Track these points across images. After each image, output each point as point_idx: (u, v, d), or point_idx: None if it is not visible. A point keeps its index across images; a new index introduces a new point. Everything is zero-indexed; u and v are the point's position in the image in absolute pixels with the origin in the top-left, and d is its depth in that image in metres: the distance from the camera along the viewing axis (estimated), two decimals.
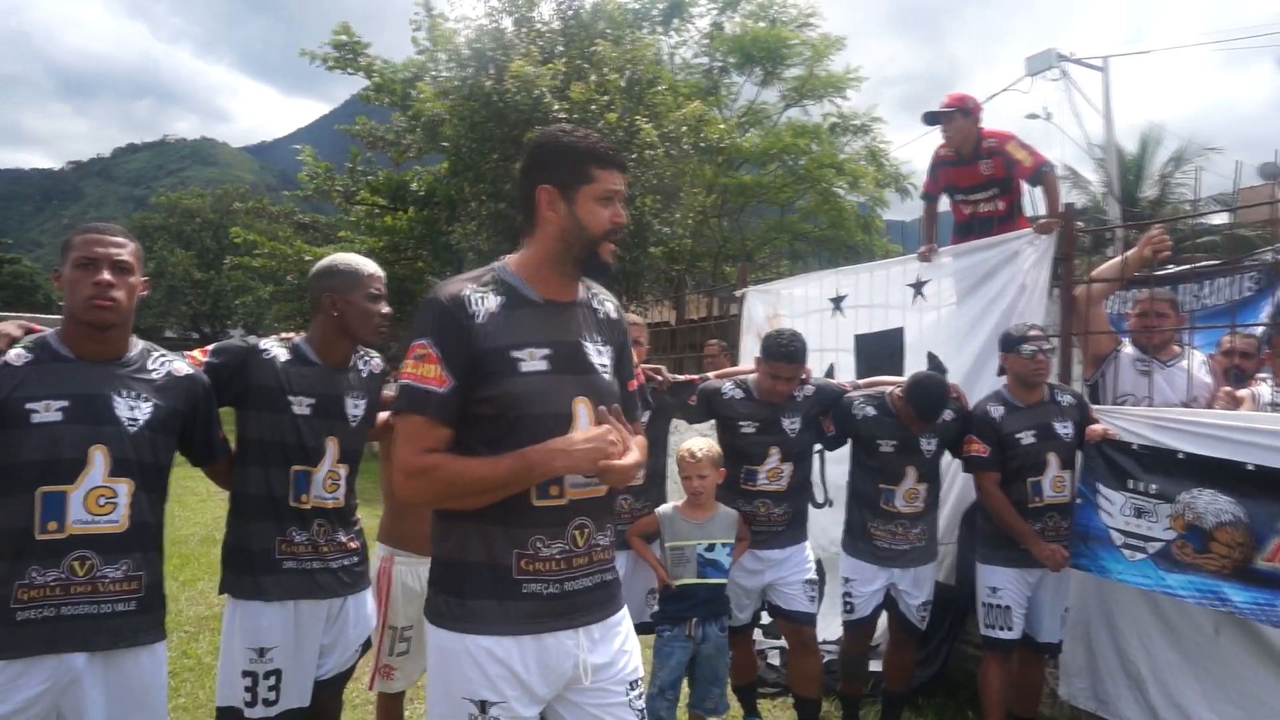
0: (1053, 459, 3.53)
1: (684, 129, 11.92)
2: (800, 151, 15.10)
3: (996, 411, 3.61)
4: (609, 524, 1.91)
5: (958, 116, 4.47)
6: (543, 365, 1.77)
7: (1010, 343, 3.57)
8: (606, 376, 1.88)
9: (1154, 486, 3.35)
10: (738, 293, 6.11)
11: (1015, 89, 16.63)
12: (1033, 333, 3.55)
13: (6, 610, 1.99)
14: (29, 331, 2.17)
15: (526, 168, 1.86)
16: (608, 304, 2.00)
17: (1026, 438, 3.54)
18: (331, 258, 2.67)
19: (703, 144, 12.56)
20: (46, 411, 2.04)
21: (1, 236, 34.65)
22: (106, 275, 2.09)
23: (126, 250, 2.16)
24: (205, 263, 34.74)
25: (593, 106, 10.97)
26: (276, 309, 22.57)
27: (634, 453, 1.78)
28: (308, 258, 17.20)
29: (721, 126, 13.04)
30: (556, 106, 10.80)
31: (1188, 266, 5.84)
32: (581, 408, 1.80)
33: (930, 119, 4.57)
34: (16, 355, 2.08)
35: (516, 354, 1.75)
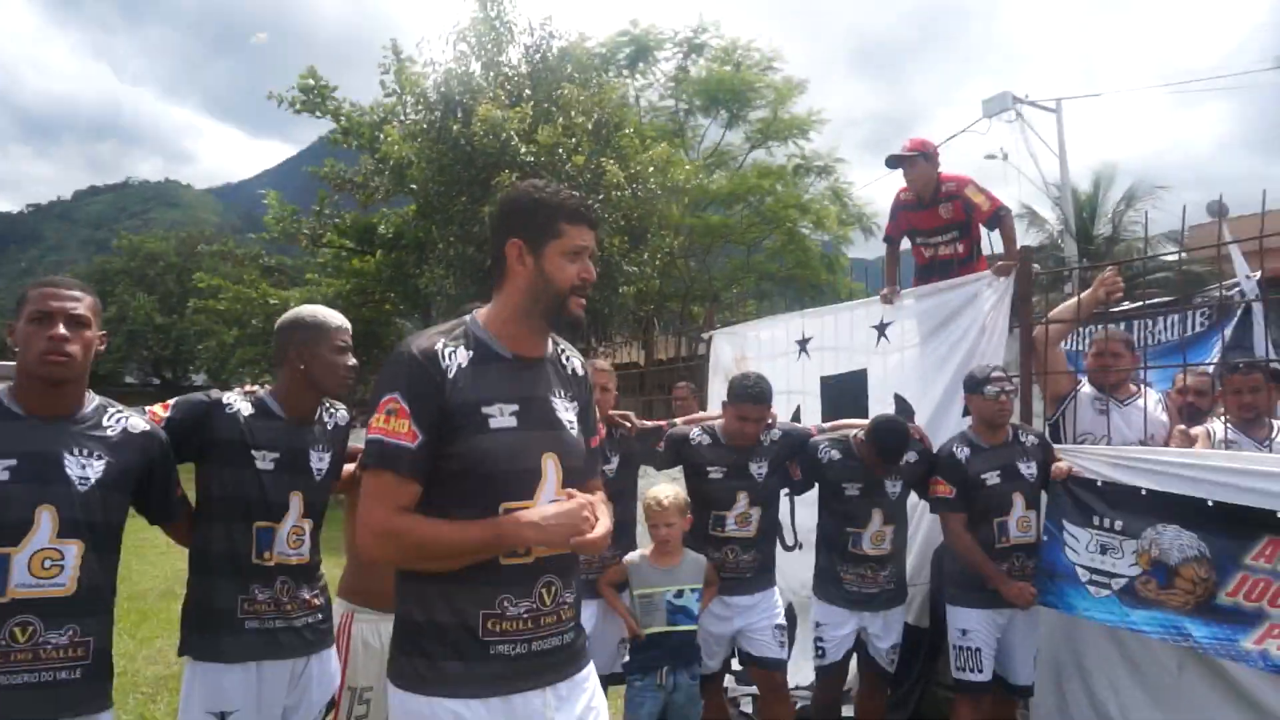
0: (1018, 499, 3.58)
1: (651, 170, 12.07)
2: (765, 192, 15.35)
3: (962, 453, 3.65)
4: (575, 580, 1.89)
5: (919, 161, 4.58)
6: (512, 421, 1.76)
7: (974, 384, 3.63)
8: (574, 432, 1.88)
9: (1119, 523, 3.39)
10: (704, 335, 6.15)
11: (973, 130, 17.15)
12: (995, 374, 3.61)
13: None
14: None
15: (497, 222, 1.87)
16: (574, 360, 2.00)
17: (991, 478, 3.58)
18: (297, 310, 2.64)
19: (669, 185, 12.72)
20: None
21: None
22: (61, 329, 2.04)
23: (83, 304, 2.11)
24: (168, 307, 34.18)
25: (560, 149, 11.08)
26: (241, 354, 22.24)
27: (604, 522, 1.76)
28: (273, 301, 17.03)
29: (688, 168, 13.22)
30: (524, 149, 10.89)
31: (1139, 304, 6.00)
32: (550, 464, 1.80)
33: (893, 163, 4.67)
34: None
35: (486, 409, 1.74)
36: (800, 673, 4.54)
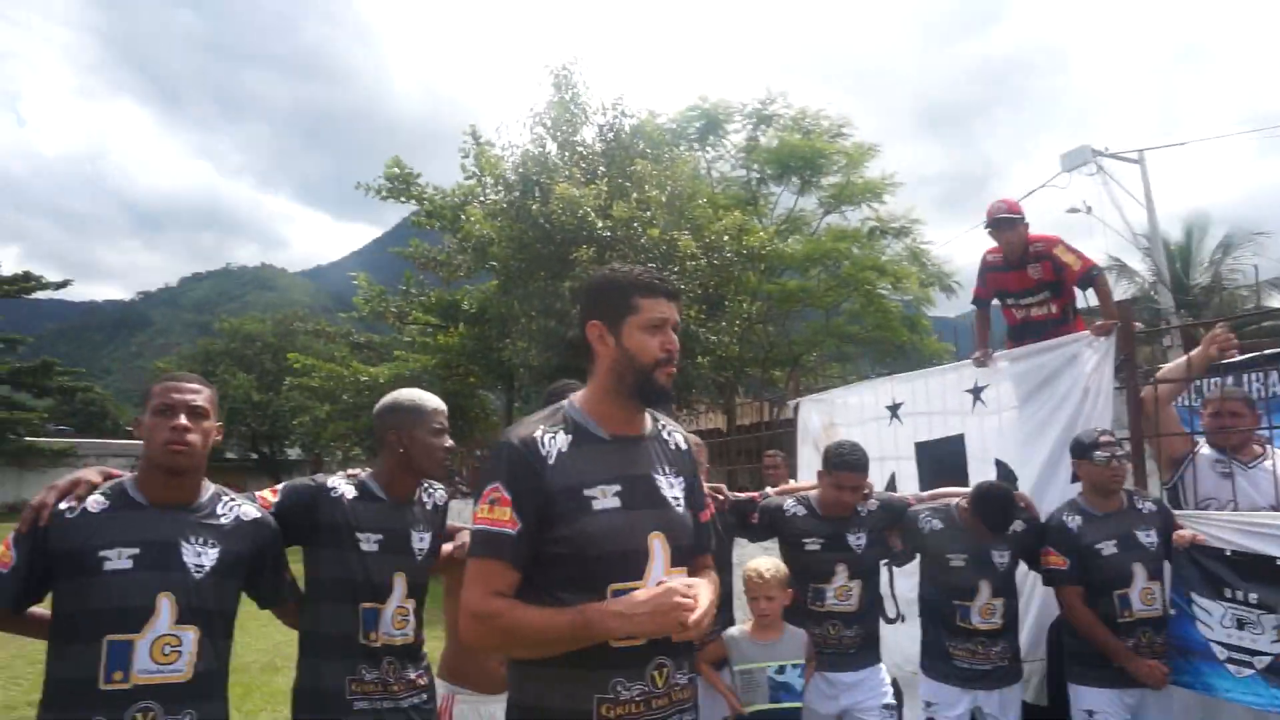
0: (1139, 570, 3.37)
1: (725, 238, 12.18)
2: (841, 256, 15.28)
3: (1073, 522, 3.48)
4: (687, 661, 1.86)
5: (1019, 224, 4.52)
6: (615, 502, 1.76)
7: (1082, 449, 3.48)
8: (680, 509, 1.87)
9: (1254, 595, 3.17)
10: (791, 402, 6.09)
11: (1052, 185, 16.82)
12: (1104, 438, 3.45)
13: None
14: (108, 477, 2.23)
15: (580, 307, 1.92)
16: (677, 435, 2.00)
17: (1108, 548, 3.40)
18: (395, 394, 2.73)
19: (745, 252, 12.80)
20: (119, 559, 2.06)
21: (75, 365, 36.25)
22: (183, 420, 2.15)
23: (202, 396, 2.23)
24: (265, 385, 35.83)
25: (635, 224, 11.32)
26: (333, 428, 23.04)
27: (704, 601, 1.70)
28: (363, 378, 17.68)
29: (762, 234, 13.31)
30: (600, 225, 11.16)
31: (1251, 355, 5.69)
32: (657, 544, 1.78)
33: (996, 225, 4.59)
34: (95, 502, 2.13)
35: (588, 492, 1.75)
36: None
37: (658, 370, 1.80)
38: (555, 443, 1.79)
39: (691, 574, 1.87)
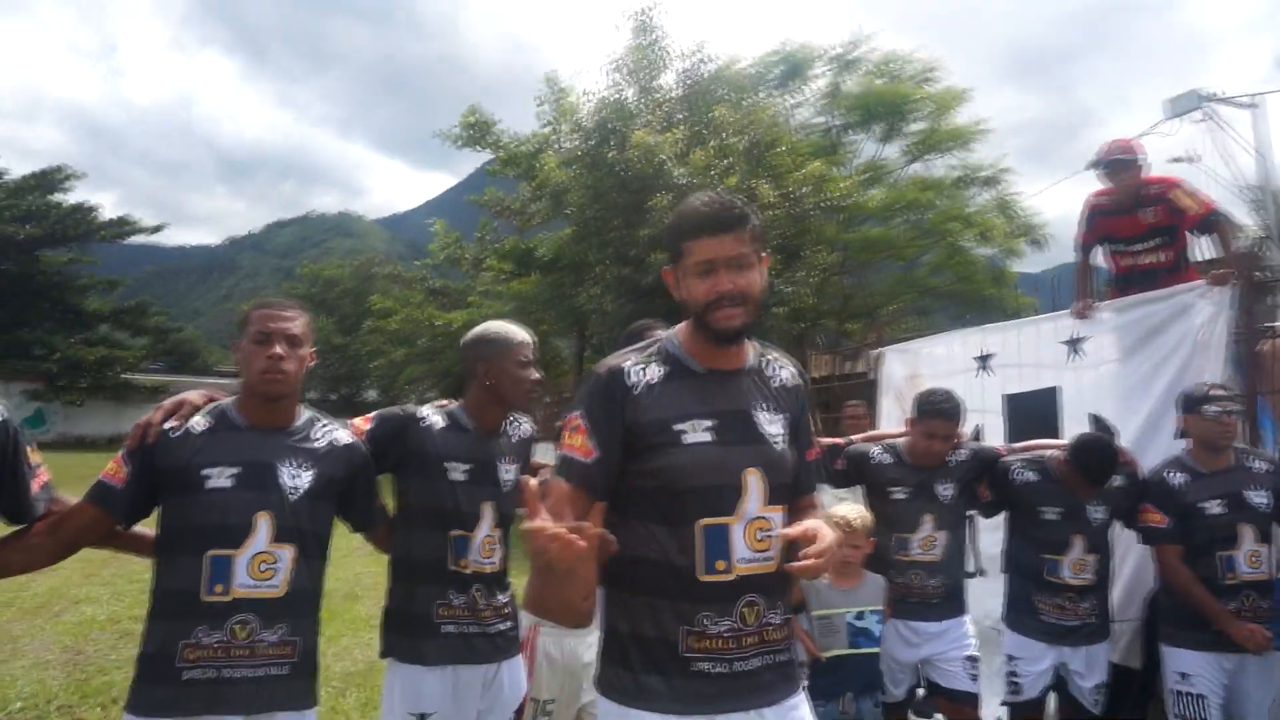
0: (1247, 531, 3.21)
1: (805, 188, 11.88)
2: (925, 205, 14.74)
3: (1176, 479, 3.33)
4: (781, 601, 1.82)
5: (1134, 165, 4.27)
6: (707, 436, 1.73)
7: (1192, 403, 3.31)
8: (779, 446, 1.81)
9: None
10: (873, 352, 5.95)
11: (1156, 132, 15.84)
12: (1217, 391, 3.27)
13: (172, 670, 2.04)
14: (210, 400, 2.30)
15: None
16: (784, 370, 1.93)
17: (1213, 507, 3.24)
18: (483, 326, 2.74)
19: (825, 203, 12.47)
20: (220, 478, 2.13)
21: (168, 307, 37.93)
22: (279, 349, 2.19)
23: (297, 324, 2.26)
24: (344, 329, 36.90)
25: (713, 171, 11.12)
26: (410, 370, 23.67)
27: (827, 539, 1.63)
28: (438, 322, 18.04)
29: (844, 185, 12.92)
30: (677, 172, 10.99)
31: None
32: (753, 479, 1.75)
33: (1111, 166, 4.34)
34: (198, 422, 2.20)
35: (679, 426, 1.73)
36: (985, 709, 4.26)
37: (709, 314, 1.74)
38: (645, 374, 1.77)
39: (795, 515, 1.83)
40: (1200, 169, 15.76)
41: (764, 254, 1.80)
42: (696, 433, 1.73)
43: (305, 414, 2.35)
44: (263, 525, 2.13)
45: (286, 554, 2.15)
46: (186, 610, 2.07)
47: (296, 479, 2.21)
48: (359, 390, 38.20)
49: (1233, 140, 15.77)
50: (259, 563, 2.12)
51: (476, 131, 15.52)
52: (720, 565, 1.71)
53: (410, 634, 2.54)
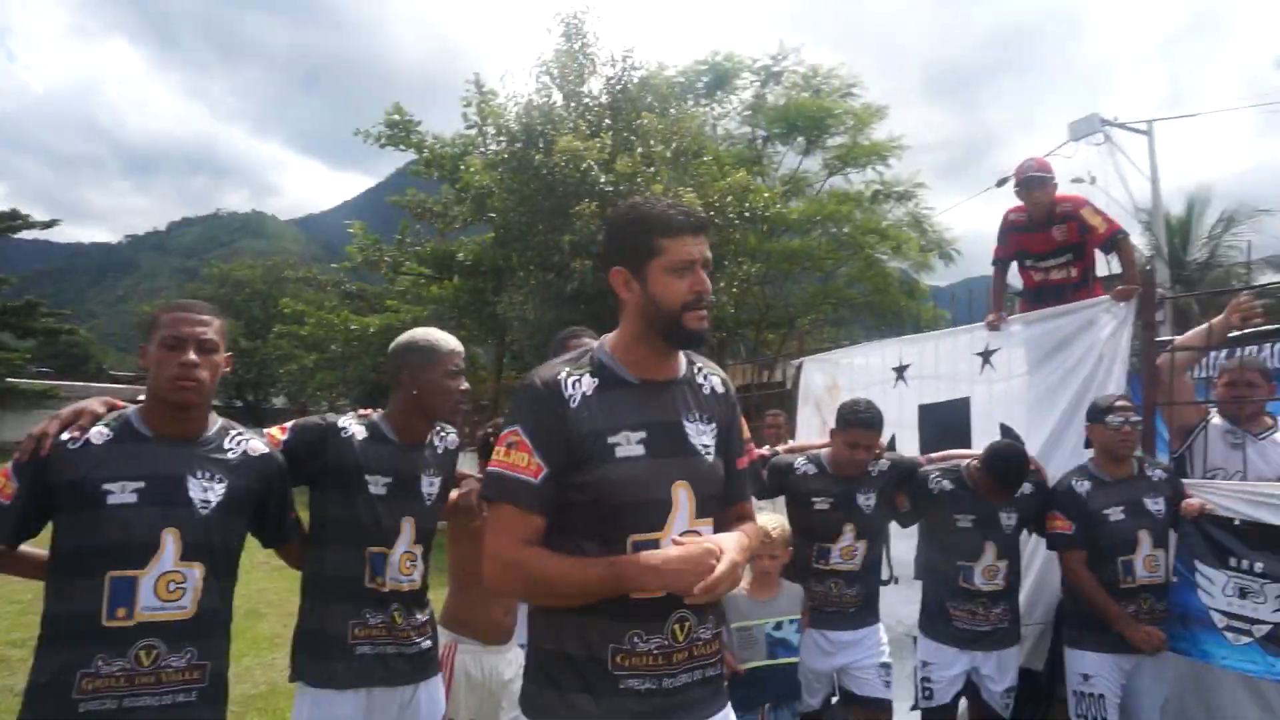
0: (1145, 537, 3.36)
1: (729, 199, 12.03)
2: (843, 218, 15.15)
3: (1082, 486, 3.46)
4: (712, 616, 1.78)
5: (1049, 183, 4.43)
6: (639, 450, 1.69)
7: (1096, 414, 3.45)
8: (709, 458, 1.78)
9: (1259, 565, 3.17)
10: (794, 362, 6.03)
11: (1059, 154, 16.64)
12: (1120, 403, 3.42)
13: (67, 701, 1.90)
14: (112, 408, 2.15)
15: (602, 250, 1.82)
16: (713, 378, 1.90)
17: (1115, 514, 3.38)
18: (411, 333, 2.64)
19: (747, 213, 12.66)
20: (123, 493, 1.99)
21: (59, 308, 35.84)
22: (192, 355, 2.06)
23: (212, 328, 2.14)
24: (252, 332, 35.56)
25: (638, 179, 11.15)
26: (320, 377, 22.95)
27: (724, 564, 1.61)
28: (354, 327, 17.55)
29: (766, 195, 13.15)
30: (603, 179, 10.99)
31: (1260, 329, 5.66)
32: (682, 493, 1.71)
33: (1027, 184, 4.49)
34: (98, 433, 2.05)
35: (612, 439, 1.68)
36: (898, 714, 4.35)
37: (686, 314, 1.69)
38: (580, 385, 1.71)
39: (722, 525, 1.81)
40: (1098, 190, 16.64)
41: None
42: (629, 445, 1.69)
43: (217, 422, 2.23)
44: (170, 543, 2.00)
45: (195, 572, 2.04)
46: (84, 636, 1.93)
47: (207, 492, 2.09)
48: (265, 397, 36.88)
49: (1128, 164, 16.71)
50: (166, 583, 1.99)
51: (400, 131, 15.22)
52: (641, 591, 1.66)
53: (322, 655, 2.42)
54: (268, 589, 8.08)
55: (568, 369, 1.74)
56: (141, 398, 2.16)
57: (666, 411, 1.76)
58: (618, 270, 1.76)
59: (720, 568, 1.59)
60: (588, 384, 1.72)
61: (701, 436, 1.79)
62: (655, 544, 1.67)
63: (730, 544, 1.67)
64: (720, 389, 1.90)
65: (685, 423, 1.77)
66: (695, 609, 1.72)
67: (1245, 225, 18.46)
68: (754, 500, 3.80)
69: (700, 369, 1.89)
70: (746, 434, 1.94)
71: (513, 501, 1.64)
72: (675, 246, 1.69)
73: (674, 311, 1.70)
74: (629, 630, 1.66)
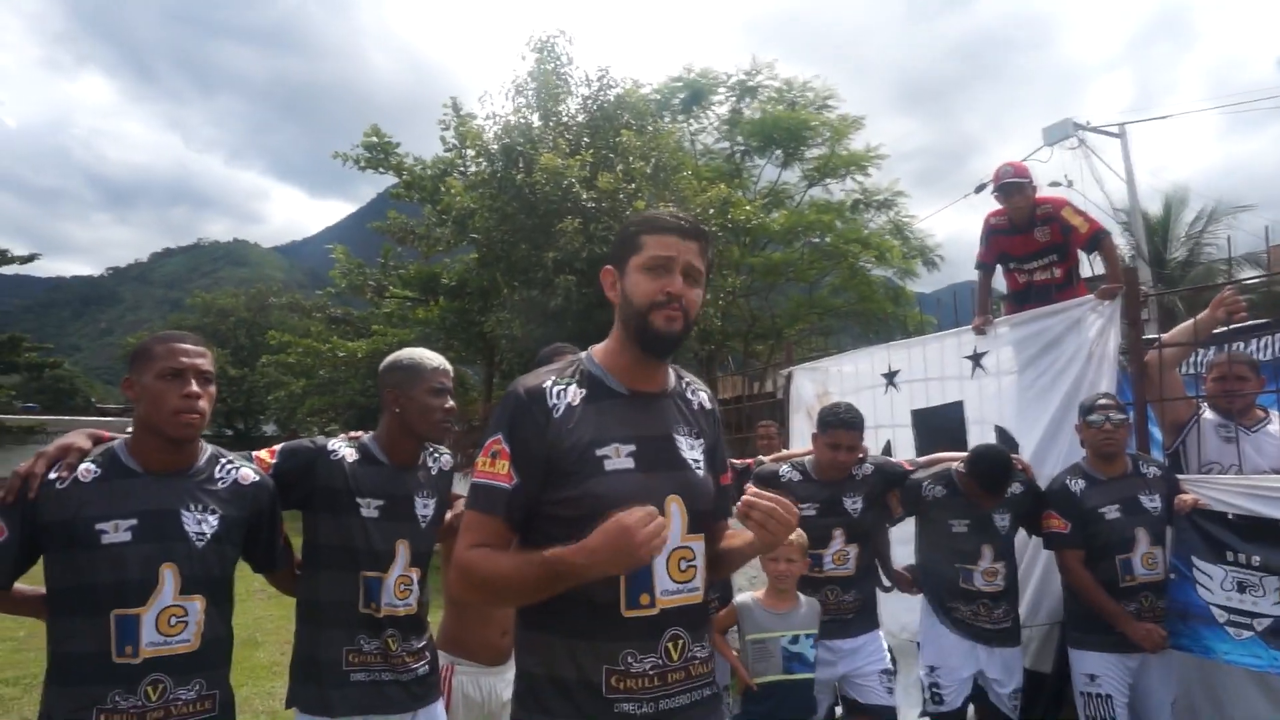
0: (1141, 534, 3.35)
1: (710, 212, 12.07)
2: (825, 228, 15.24)
3: (1076, 485, 3.46)
4: (706, 634, 1.74)
5: (1028, 186, 4.46)
6: (629, 463, 1.63)
7: (1081, 412, 3.47)
8: (700, 473, 1.74)
9: (1257, 558, 3.16)
10: (783, 371, 6.02)
11: (1034, 159, 16.83)
12: (1102, 401, 3.42)
13: None
14: (98, 441, 2.11)
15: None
16: (701, 394, 1.86)
17: (1111, 512, 3.37)
18: (397, 353, 2.61)
19: (729, 225, 12.70)
20: (116, 532, 1.96)
21: (43, 343, 35.48)
22: (194, 387, 2.04)
23: (207, 359, 2.12)
24: (239, 360, 35.38)
25: (620, 195, 11.16)
26: (310, 403, 22.83)
27: (645, 514, 1.50)
28: (341, 353, 17.46)
29: (748, 208, 13.20)
30: (585, 196, 11.00)
31: (1245, 324, 5.70)
32: (674, 508, 1.66)
33: (1005, 190, 4.52)
34: (86, 470, 2.01)
35: (601, 451, 1.62)
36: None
37: (654, 313, 1.63)
38: (566, 396, 1.66)
39: (713, 541, 1.78)
40: (1074, 193, 16.84)
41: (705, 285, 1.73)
42: (619, 458, 1.63)
43: (206, 451, 2.20)
44: (169, 578, 1.99)
45: (196, 605, 2.03)
46: (95, 674, 1.92)
47: (202, 524, 2.07)
48: (256, 424, 36.61)
49: (1103, 166, 16.92)
50: (167, 618, 1.99)
51: (378, 152, 15.19)
52: (644, 599, 1.62)
53: (316, 682, 2.38)
54: (264, 617, 7.99)
55: (554, 378, 1.69)
56: (129, 430, 2.13)
57: (658, 424, 1.71)
58: (608, 269, 1.74)
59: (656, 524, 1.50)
60: (574, 394, 1.67)
61: (693, 451, 1.74)
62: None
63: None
64: (708, 404, 1.87)
65: (676, 436, 1.72)
66: (688, 626, 1.67)
67: (1221, 223, 18.72)
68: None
69: (689, 384, 1.86)
70: (725, 453, 1.92)
71: (482, 509, 1.61)
72: (654, 243, 1.65)
73: (642, 308, 1.64)
74: (622, 650, 1.61)
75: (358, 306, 21.06)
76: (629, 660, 1.61)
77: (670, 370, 1.81)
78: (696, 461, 1.73)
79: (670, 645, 1.64)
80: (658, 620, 1.63)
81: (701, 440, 1.78)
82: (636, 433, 1.67)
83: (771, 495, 1.63)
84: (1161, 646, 3.26)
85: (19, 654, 6.49)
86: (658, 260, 1.64)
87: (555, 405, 1.65)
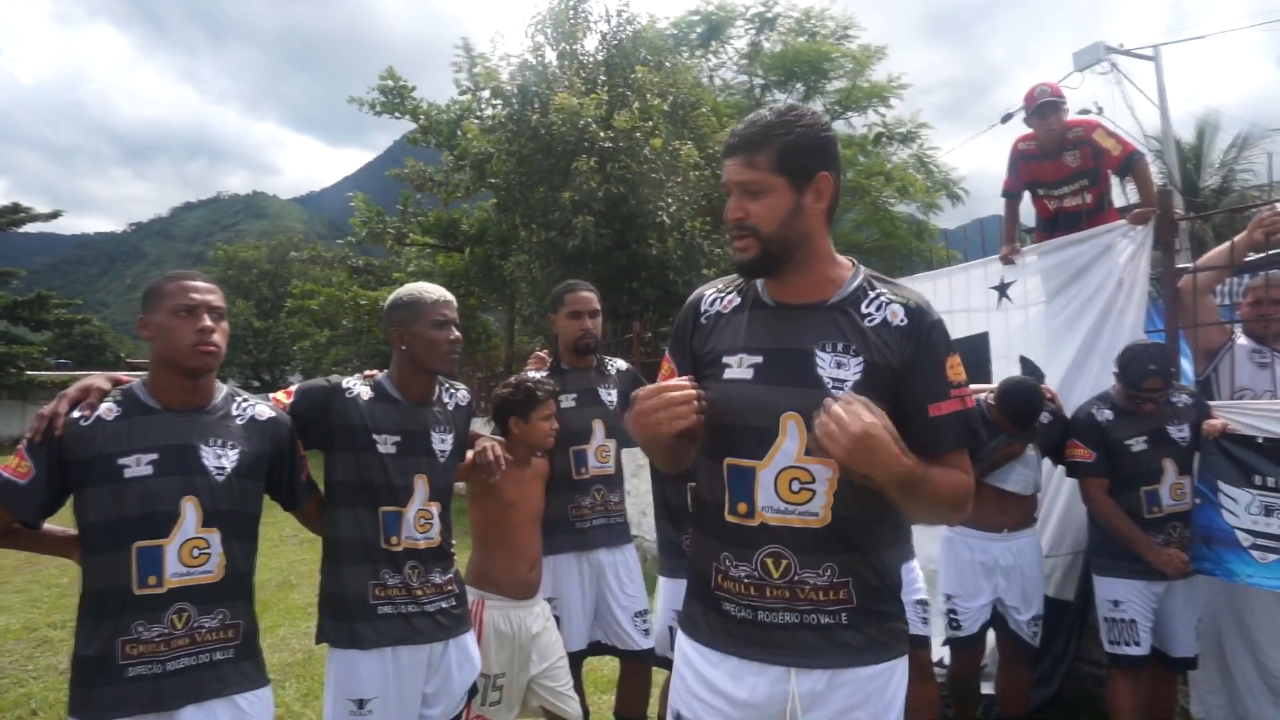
0: (1169, 465, 3.32)
1: None
2: (847, 163, 14.95)
3: (1103, 415, 3.41)
4: (828, 563, 1.60)
5: (1063, 107, 4.33)
6: (747, 374, 1.62)
7: (1125, 375, 3.33)
8: (838, 394, 1.54)
9: None
10: None
11: (1064, 85, 16.31)
12: (1149, 383, 3.24)
13: (116, 668, 1.96)
14: (116, 383, 2.15)
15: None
16: (893, 307, 1.63)
17: (1138, 444, 3.33)
18: (397, 290, 2.61)
19: None
20: (138, 466, 2.01)
21: (70, 299, 35.92)
22: (208, 321, 2.07)
23: (217, 295, 2.16)
24: (263, 312, 35.68)
25: (637, 133, 10.98)
26: (334, 353, 23.04)
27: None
28: (363, 301, 17.54)
29: None
30: (602, 135, 10.82)
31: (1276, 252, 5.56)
32: (792, 425, 1.57)
33: (1040, 110, 4.33)
34: (108, 409, 2.06)
35: (727, 359, 1.66)
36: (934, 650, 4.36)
37: (732, 236, 1.67)
38: (719, 304, 1.75)
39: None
40: (1105, 120, 16.34)
41: (817, 174, 1.59)
42: (739, 368, 1.64)
43: (223, 390, 2.23)
44: (190, 511, 2.04)
45: (217, 537, 2.08)
46: (121, 606, 1.98)
47: (221, 459, 2.11)
48: (282, 375, 37.11)
49: (1135, 91, 16.36)
50: (190, 549, 2.04)
51: (394, 96, 14.97)
52: (741, 508, 1.62)
53: (345, 617, 2.43)
54: (297, 560, 8.19)
55: (720, 285, 1.79)
56: (143, 372, 2.17)
57: (796, 338, 1.62)
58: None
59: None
60: (729, 302, 1.74)
61: (837, 369, 1.59)
62: (750, 470, 1.60)
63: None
64: (900, 320, 1.62)
65: (818, 352, 1.60)
66: (798, 550, 1.59)
67: (1258, 148, 18.14)
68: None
69: (876, 297, 1.65)
70: (957, 377, 1.63)
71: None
72: (726, 169, 1.65)
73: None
74: (722, 551, 1.67)
75: (378, 255, 21.06)
76: (727, 563, 1.65)
77: (848, 281, 1.66)
78: (837, 381, 1.58)
79: (769, 560, 1.60)
80: (755, 532, 1.61)
81: (857, 359, 1.59)
82: (768, 344, 1.64)
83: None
84: (1184, 572, 3.25)
85: (65, 598, 6.76)
86: (726, 186, 1.65)
87: (706, 311, 1.76)
